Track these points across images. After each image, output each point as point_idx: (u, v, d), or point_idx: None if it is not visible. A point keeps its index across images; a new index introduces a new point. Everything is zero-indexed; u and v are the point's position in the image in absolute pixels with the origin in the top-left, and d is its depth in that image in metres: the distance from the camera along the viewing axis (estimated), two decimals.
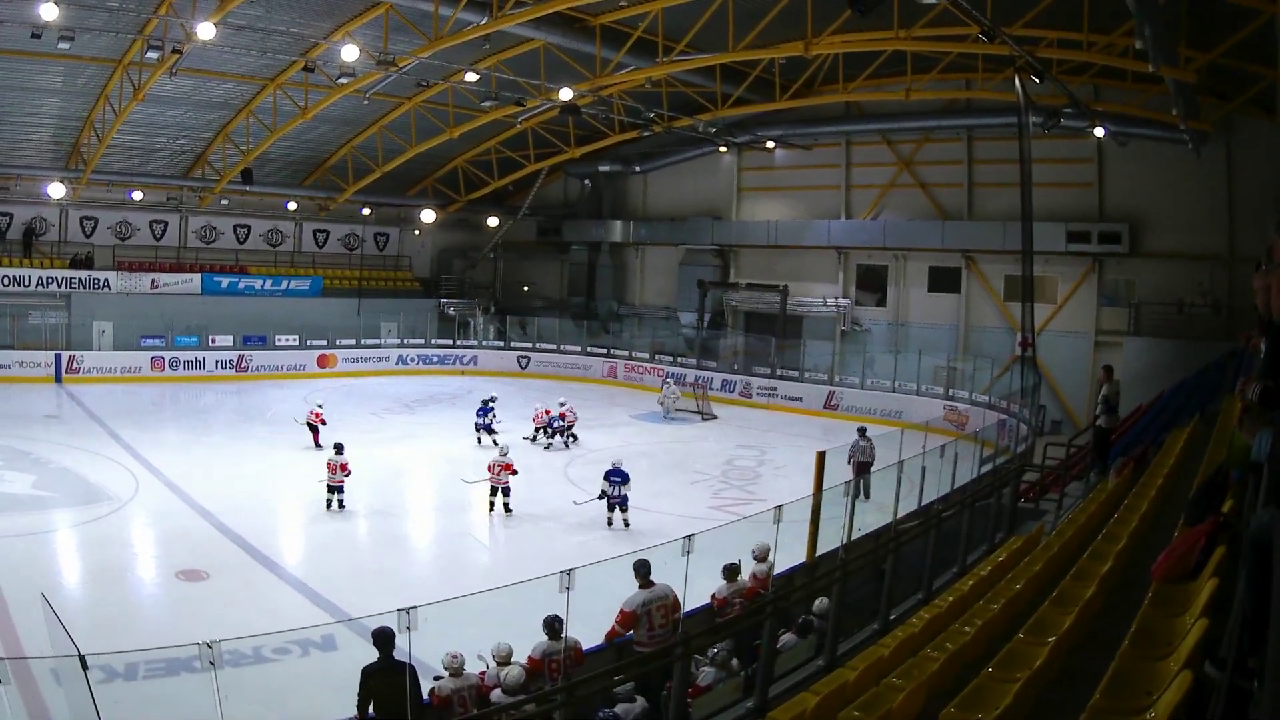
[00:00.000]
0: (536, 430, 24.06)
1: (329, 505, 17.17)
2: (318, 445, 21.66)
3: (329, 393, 27.59)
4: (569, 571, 6.79)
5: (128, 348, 32.39)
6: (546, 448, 23.53)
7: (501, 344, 38.05)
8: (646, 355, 35.77)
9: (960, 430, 23.30)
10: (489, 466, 17.47)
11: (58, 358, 30.97)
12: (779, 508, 8.75)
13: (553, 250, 43.16)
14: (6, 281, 31.52)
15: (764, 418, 29.49)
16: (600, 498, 16.84)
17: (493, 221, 41.47)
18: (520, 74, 26.06)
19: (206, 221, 37.33)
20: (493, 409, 23.87)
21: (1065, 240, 28.19)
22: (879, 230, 33.09)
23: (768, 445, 24.99)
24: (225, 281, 35.89)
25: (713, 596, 9.51)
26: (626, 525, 16.69)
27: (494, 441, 21.82)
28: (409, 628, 6.01)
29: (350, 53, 22.24)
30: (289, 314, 35.51)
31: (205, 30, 19.76)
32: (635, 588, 8.68)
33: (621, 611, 8.63)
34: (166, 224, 36.43)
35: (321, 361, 35.17)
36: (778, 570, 10.27)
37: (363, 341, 36.47)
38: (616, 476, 16.75)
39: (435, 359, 36.97)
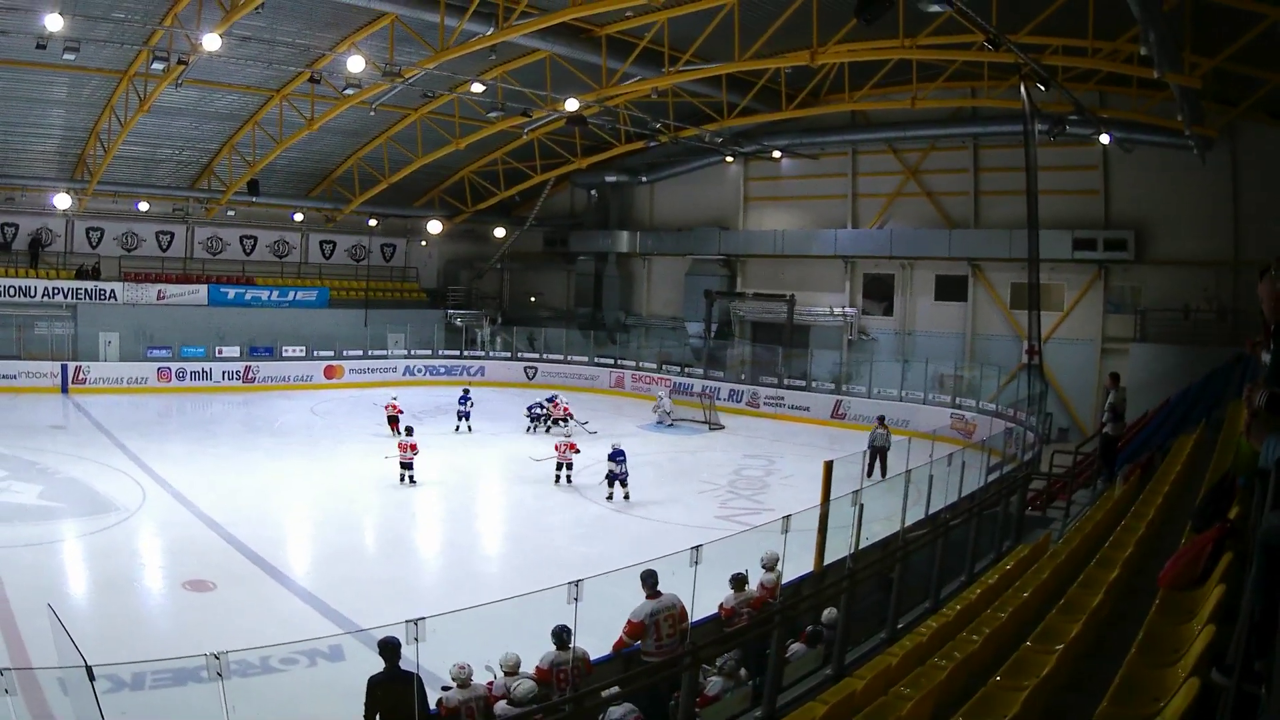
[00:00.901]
0: (533, 421, 26.64)
1: (401, 479, 19.83)
2: (395, 432, 23.40)
3: (336, 403, 27.61)
4: (577, 582, 6.79)
5: (134, 358, 32.49)
6: (548, 430, 25.95)
7: (509, 355, 38.04)
8: (654, 365, 35.76)
9: (967, 438, 23.33)
10: (555, 446, 20.51)
11: (64, 368, 31.04)
12: (787, 517, 8.76)
13: (559, 261, 43.23)
14: (13, 292, 31.58)
15: (771, 427, 29.47)
16: (608, 478, 19.15)
17: (499, 232, 41.59)
18: (526, 85, 26.11)
19: (213, 232, 37.50)
20: (469, 398, 26.84)
21: (1071, 247, 28.19)
22: (885, 239, 33.13)
23: (775, 455, 24.93)
24: (232, 293, 35.95)
25: (720, 606, 9.48)
26: (626, 498, 19.03)
27: (469, 429, 26.01)
28: (417, 638, 6.00)
29: (356, 64, 22.31)
30: (296, 325, 35.61)
31: (211, 41, 19.76)
32: (643, 598, 8.68)
33: (629, 622, 8.63)
34: (173, 235, 36.63)
35: (328, 372, 35.20)
36: (786, 579, 10.27)
37: (370, 352, 36.47)
38: (620, 456, 19.18)
39: (442, 370, 36.95)
